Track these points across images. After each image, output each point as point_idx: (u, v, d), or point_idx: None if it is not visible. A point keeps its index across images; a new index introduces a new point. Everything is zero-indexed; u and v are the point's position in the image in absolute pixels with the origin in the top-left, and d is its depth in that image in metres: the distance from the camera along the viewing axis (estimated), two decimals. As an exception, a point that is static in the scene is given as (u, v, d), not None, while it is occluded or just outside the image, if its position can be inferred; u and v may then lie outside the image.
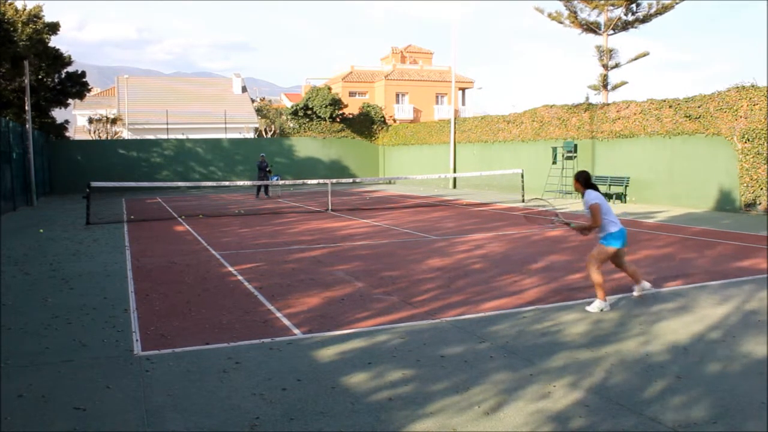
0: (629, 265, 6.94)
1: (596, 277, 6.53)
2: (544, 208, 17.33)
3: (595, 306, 6.49)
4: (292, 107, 38.40)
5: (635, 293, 6.99)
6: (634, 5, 26.21)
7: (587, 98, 22.80)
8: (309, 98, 36.02)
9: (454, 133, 29.14)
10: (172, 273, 8.85)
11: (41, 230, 14.17)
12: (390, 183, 33.73)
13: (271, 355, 5.20)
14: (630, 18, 26.65)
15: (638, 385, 4.43)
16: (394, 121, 44.11)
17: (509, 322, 6.12)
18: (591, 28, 27.34)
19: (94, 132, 39.56)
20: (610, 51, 27.07)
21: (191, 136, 34.87)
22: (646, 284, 6.95)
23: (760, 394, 4.25)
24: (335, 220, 15.71)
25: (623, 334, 5.67)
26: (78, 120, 47.09)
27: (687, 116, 17.63)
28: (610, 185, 20.22)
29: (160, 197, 25.88)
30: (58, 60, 25.81)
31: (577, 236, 6.35)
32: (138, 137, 37.18)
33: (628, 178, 19.70)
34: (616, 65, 27.25)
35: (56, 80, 27.16)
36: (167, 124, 36.14)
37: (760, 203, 15.63)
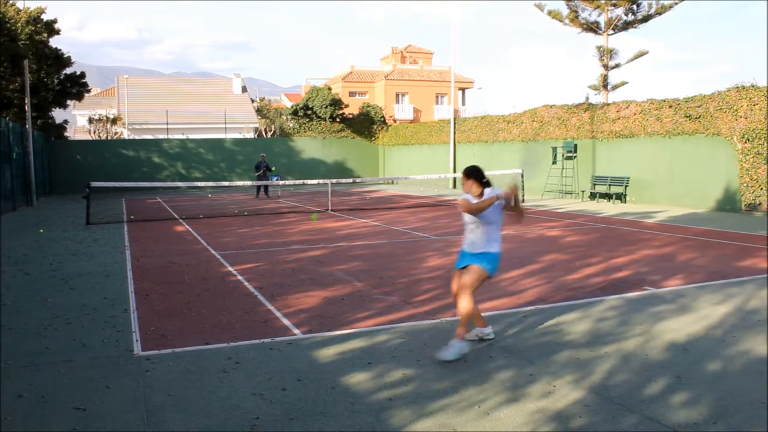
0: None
1: (469, 307, 5.06)
2: (545, 208, 17.35)
3: (454, 350, 4.98)
4: (292, 107, 38.39)
5: (469, 337, 5.37)
6: (634, 5, 26.22)
7: (587, 98, 22.81)
8: (309, 98, 36.00)
9: (454, 133, 29.13)
10: (172, 273, 8.85)
11: (41, 230, 14.17)
12: (390, 183, 33.73)
13: (271, 355, 5.20)
14: (630, 18, 26.65)
15: (638, 384, 4.43)
16: (394, 121, 44.12)
17: (509, 322, 6.12)
18: (591, 27, 27.34)
19: (94, 132, 39.57)
20: (611, 51, 27.07)
21: (191, 136, 34.86)
22: (485, 330, 5.50)
23: (760, 393, 4.25)
24: (335, 220, 15.71)
25: (623, 333, 5.67)
26: (78, 120, 47.13)
27: (687, 116, 17.63)
28: (610, 185, 20.22)
29: (160, 197, 25.88)
30: (59, 60, 25.81)
31: (577, 232, 5.47)
32: (138, 137, 37.18)
33: (628, 178, 19.69)
34: (616, 65, 27.26)
35: (56, 81, 27.16)
36: (167, 124, 36.13)
37: (760, 203, 15.63)
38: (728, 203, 16.56)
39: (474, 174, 5.21)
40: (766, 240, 11.18)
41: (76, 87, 27.75)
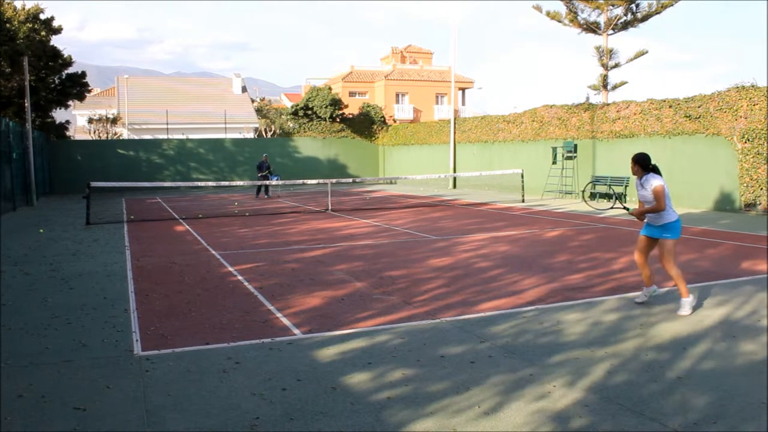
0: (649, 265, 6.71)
1: (676, 272, 6.36)
2: (545, 208, 17.36)
3: (686, 306, 6.28)
4: (292, 107, 38.39)
5: (639, 299, 6.77)
6: (633, 5, 26.22)
7: (587, 98, 22.81)
8: (309, 98, 36.00)
9: (454, 133, 29.14)
10: (172, 273, 8.84)
11: (41, 230, 14.17)
12: (390, 183, 33.73)
13: (271, 355, 5.20)
14: (629, 17, 26.65)
15: (638, 384, 4.43)
16: (394, 121, 44.12)
17: (509, 322, 6.12)
18: (591, 27, 27.35)
19: (94, 132, 39.56)
20: (610, 51, 27.08)
21: (191, 136, 34.86)
22: (655, 288, 6.80)
23: (760, 394, 4.25)
24: (335, 220, 15.71)
25: (623, 334, 5.67)
26: (78, 120, 47.08)
27: (687, 116, 17.63)
28: (610, 185, 20.21)
29: (160, 197, 25.88)
30: (58, 59, 25.78)
31: (579, 232, 6.31)
32: (138, 137, 37.17)
33: (628, 178, 19.68)
34: (616, 65, 27.25)
35: (56, 81, 27.14)
36: (167, 124, 36.13)
37: (760, 203, 15.63)
38: (728, 203, 16.56)
39: (637, 161, 6.43)
40: (766, 240, 11.18)
41: (77, 87, 27.72)
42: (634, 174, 6.54)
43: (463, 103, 52.23)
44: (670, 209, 6.42)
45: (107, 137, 39.06)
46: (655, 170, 6.41)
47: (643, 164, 6.38)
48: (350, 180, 25.50)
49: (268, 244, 11.59)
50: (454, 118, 29.41)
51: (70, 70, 27.46)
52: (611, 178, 20.24)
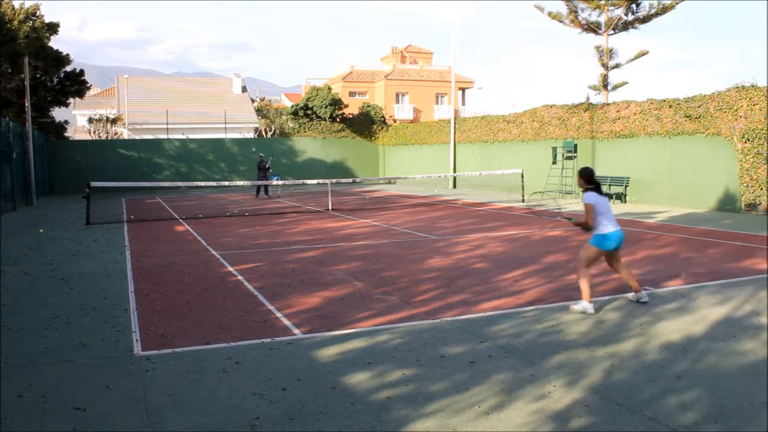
0: (624, 269, 6.90)
1: (581, 275, 6.54)
2: (544, 208, 17.37)
3: (579, 305, 6.48)
4: (292, 107, 38.39)
5: (630, 297, 6.95)
6: (634, 5, 26.21)
7: (587, 98, 22.79)
8: (309, 98, 36.00)
9: (454, 133, 29.14)
10: (172, 273, 8.85)
11: (41, 230, 14.17)
12: (390, 183, 33.73)
13: (271, 355, 5.20)
14: (630, 18, 26.64)
15: (638, 385, 4.43)
16: (394, 121, 44.12)
17: (509, 322, 6.12)
18: (591, 27, 27.33)
19: (94, 132, 39.56)
20: (610, 51, 27.06)
21: (191, 136, 34.86)
22: (642, 293, 6.84)
23: (760, 394, 4.25)
24: (335, 220, 15.71)
25: (623, 334, 5.67)
26: (78, 120, 47.09)
27: (687, 116, 17.63)
28: (610, 185, 20.22)
29: (160, 197, 25.88)
30: (58, 59, 25.77)
31: (579, 233, 6.43)
32: (138, 137, 37.17)
33: (628, 178, 19.69)
34: (616, 65, 27.24)
35: (56, 80, 27.14)
36: (167, 124, 36.12)
37: (760, 203, 15.63)
38: (728, 203, 16.56)
39: (582, 174, 6.70)
40: (766, 240, 11.18)
41: (75, 85, 27.72)
42: (579, 186, 6.78)
43: (463, 103, 52.25)
44: (601, 224, 6.49)
45: (107, 137, 39.06)
46: (597, 188, 6.59)
47: (586, 179, 6.65)
48: (350, 180, 25.49)
49: (268, 244, 11.59)
50: (454, 118, 29.41)
51: (69, 68, 27.44)
52: (611, 178, 20.24)
